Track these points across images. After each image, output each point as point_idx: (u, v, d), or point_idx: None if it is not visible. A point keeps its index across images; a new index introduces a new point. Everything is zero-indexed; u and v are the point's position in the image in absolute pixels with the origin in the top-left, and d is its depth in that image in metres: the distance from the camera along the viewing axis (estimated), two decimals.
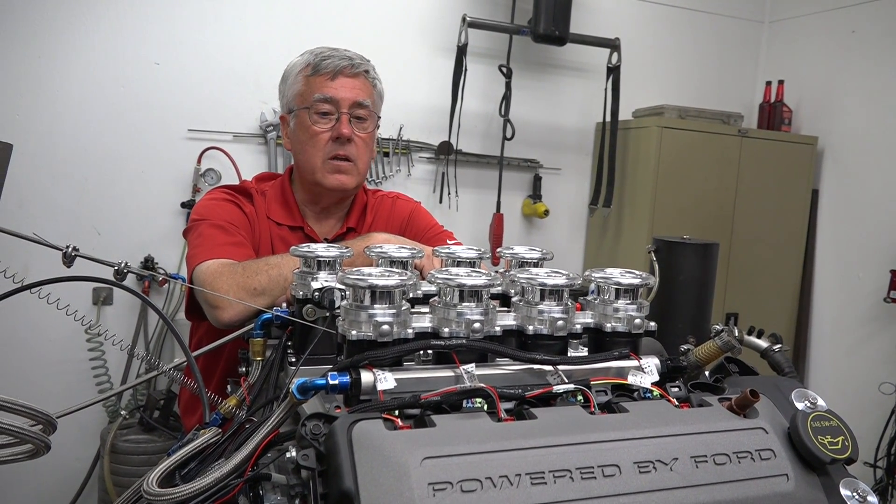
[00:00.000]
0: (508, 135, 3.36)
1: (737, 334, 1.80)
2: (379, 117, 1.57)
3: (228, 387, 1.11)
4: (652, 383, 0.84)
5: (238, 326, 1.18)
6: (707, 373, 0.97)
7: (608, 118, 3.46)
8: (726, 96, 3.93)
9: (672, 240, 1.86)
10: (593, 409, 0.77)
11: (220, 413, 1.03)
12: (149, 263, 2.96)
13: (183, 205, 3.00)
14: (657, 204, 3.38)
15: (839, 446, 0.76)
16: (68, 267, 0.87)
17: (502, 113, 3.36)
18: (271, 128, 3.09)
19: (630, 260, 3.48)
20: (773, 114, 3.77)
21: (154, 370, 1.07)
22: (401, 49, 3.29)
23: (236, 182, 3.01)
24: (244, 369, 1.12)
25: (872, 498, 0.76)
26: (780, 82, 3.77)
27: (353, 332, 0.79)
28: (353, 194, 1.55)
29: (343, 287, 1.02)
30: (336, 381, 0.75)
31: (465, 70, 3.23)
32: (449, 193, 3.36)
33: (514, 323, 0.88)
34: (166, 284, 3.01)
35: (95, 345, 2.87)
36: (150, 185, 2.98)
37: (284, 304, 1.12)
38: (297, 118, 1.46)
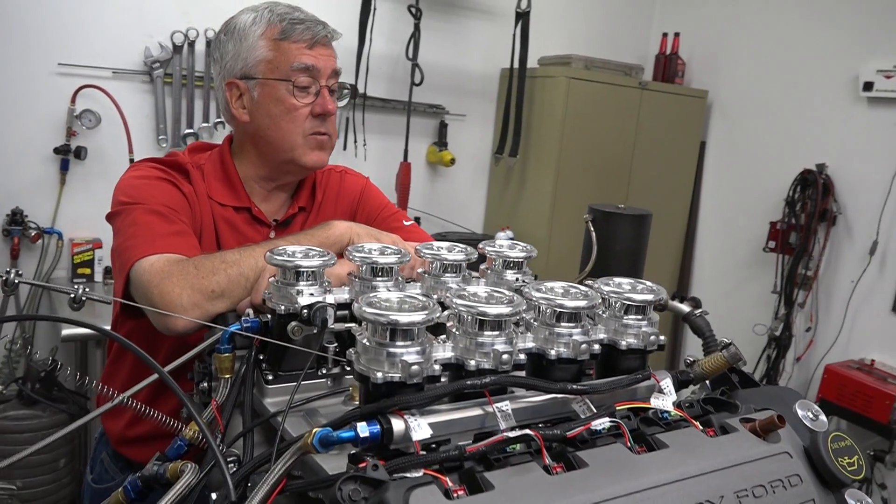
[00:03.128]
0: (417, 80, 3.22)
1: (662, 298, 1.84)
2: None
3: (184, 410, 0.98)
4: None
5: (193, 334, 1.04)
6: (707, 382, 0.97)
7: (516, 65, 3.40)
8: (626, 47, 3.98)
9: (608, 209, 1.87)
10: (629, 444, 0.74)
11: (186, 439, 0.92)
12: (17, 217, 2.63)
13: (56, 150, 2.65)
14: (562, 155, 3.40)
15: (856, 467, 0.79)
16: None
17: (410, 56, 3.21)
18: (157, 64, 2.77)
19: (533, 211, 3.51)
20: (668, 66, 3.87)
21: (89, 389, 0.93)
22: None
23: (121, 125, 2.71)
24: (204, 385, 1.00)
25: None
26: (676, 35, 3.86)
27: (379, 374, 0.71)
28: None
29: (334, 304, 0.92)
30: (366, 434, 0.67)
31: (374, 9, 3.03)
32: (356, 141, 3.20)
33: (533, 345, 0.83)
34: (39, 241, 2.68)
35: None
36: (17, 127, 2.61)
37: (250, 311, 1.00)
38: (266, 88, 1.26)
